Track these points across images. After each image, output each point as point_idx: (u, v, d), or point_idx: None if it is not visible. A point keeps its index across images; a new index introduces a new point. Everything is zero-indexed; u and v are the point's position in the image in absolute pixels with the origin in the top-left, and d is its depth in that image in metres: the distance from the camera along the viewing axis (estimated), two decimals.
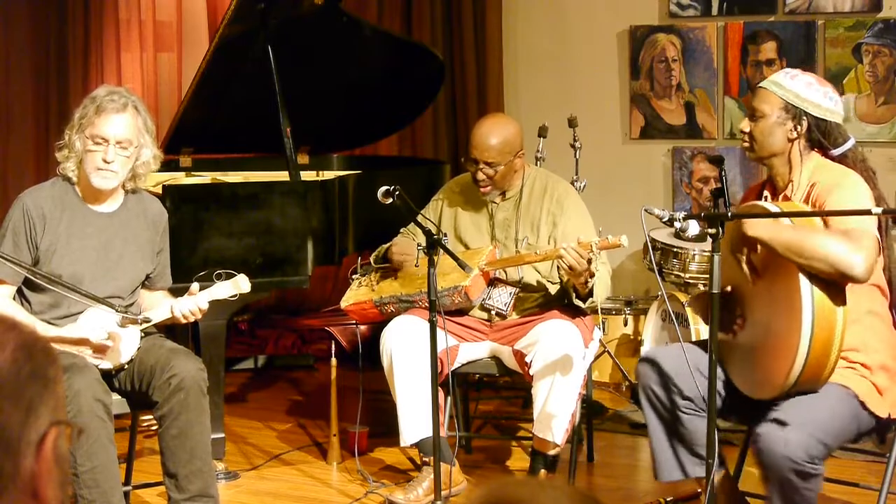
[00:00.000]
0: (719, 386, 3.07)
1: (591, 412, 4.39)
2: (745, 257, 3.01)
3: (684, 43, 5.76)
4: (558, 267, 3.75)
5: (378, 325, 4.19)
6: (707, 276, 3.38)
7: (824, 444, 2.89)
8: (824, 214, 3.00)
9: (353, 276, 4.21)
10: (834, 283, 2.89)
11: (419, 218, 3.65)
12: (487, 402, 5.12)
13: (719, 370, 3.05)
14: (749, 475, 3.68)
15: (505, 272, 3.98)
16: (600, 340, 4.18)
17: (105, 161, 3.39)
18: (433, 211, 4.15)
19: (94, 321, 3.36)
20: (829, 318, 2.88)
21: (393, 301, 4.00)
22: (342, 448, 4.37)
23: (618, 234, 3.50)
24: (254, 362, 5.88)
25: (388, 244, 4.10)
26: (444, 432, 3.89)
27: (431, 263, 3.47)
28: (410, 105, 5.32)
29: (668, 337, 4.81)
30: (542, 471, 3.90)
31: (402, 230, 4.17)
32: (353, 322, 4.65)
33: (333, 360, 4.40)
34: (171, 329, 3.76)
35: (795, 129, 3.14)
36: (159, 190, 4.03)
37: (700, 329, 4.46)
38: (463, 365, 4.03)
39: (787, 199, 3.16)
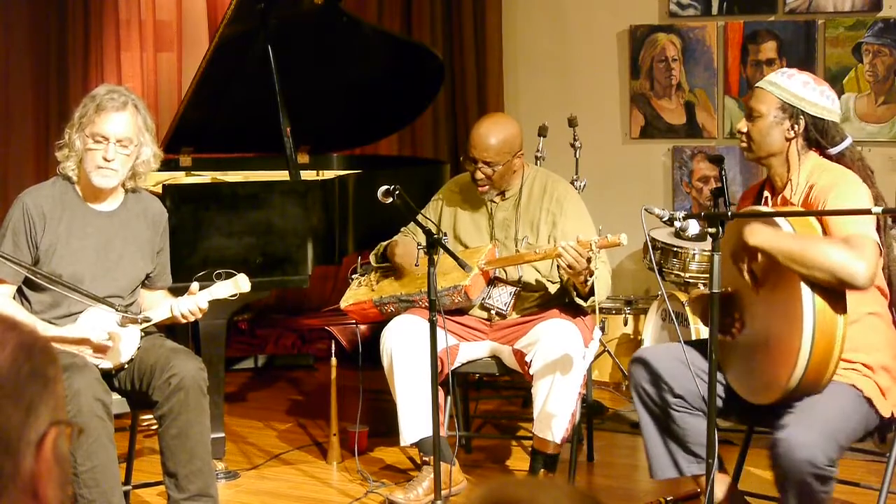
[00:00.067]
0: (718, 387, 3.07)
1: (591, 412, 4.39)
2: (746, 265, 3.01)
3: (684, 42, 5.76)
4: (558, 266, 3.75)
5: (378, 325, 4.19)
6: (707, 275, 3.38)
7: (840, 446, 2.89)
8: (824, 214, 2.99)
9: (353, 276, 4.21)
10: (834, 290, 2.89)
11: (419, 217, 3.65)
12: (487, 402, 5.12)
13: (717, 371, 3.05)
14: (749, 475, 3.68)
15: (505, 271, 3.98)
16: (600, 340, 4.18)
17: (105, 159, 3.39)
18: (433, 210, 4.15)
19: (94, 321, 3.36)
20: (830, 325, 2.88)
21: (393, 301, 4.00)
22: (342, 448, 4.37)
23: (617, 233, 3.51)
24: (254, 362, 5.88)
25: (387, 242, 4.10)
26: (444, 432, 3.89)
27: (431, 263, 3.47)
28: (410, 105, 5.32)
29: (668, 336, 4.81)
30: (542, 470, 3.90)
31: (401, 230, 4.17)
32: (353, 322, 4.66)
33: (333, 360, 4.40)
34: (171, 329, 3.76)
35: (793, 128, 3.14)
36: (159, 189, 4.03)
37: (700, 329, 4.46)
38: (463, 364, 4.03)
39: (785, 200, 3.16)
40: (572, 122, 5.12)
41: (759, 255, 2.97)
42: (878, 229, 3.03)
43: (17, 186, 4.45)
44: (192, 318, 3.45)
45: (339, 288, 5.64)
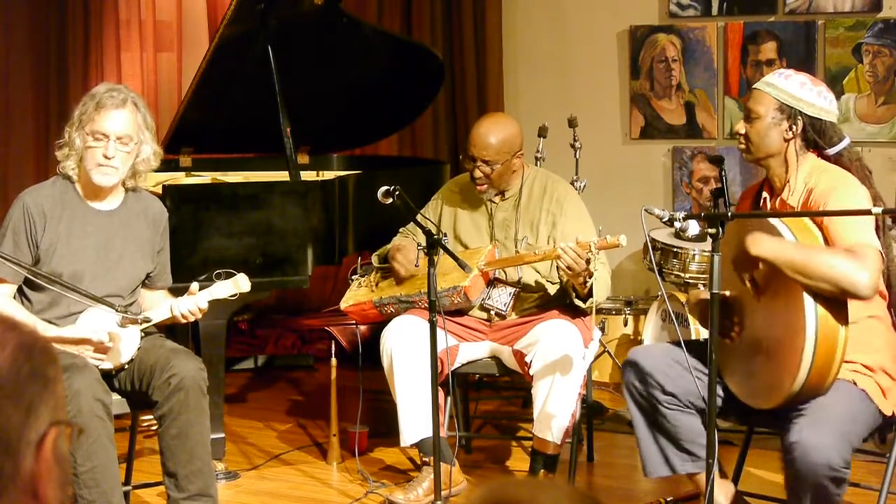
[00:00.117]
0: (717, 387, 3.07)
1: (591, 412, 4.39)
2: (747, 274, 3.01)
3: (684, 43, 5.76)
4: (557, 267, 3.75)
5: (378, 325, 4.19)
6: (707, 276, 3.37)
7: (853, 446, 2.88)
8: (824, 214, 2.99)
9: (353, 277, 4.21)
10: (836, 299, 2.89)
11: (419, 218, 3.65)
12: (487, 402, 5.12)
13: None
14: (749, 475, 3.68)
15: (504, 272, 3.98)
16: (600, 340, 4.18)
17: (105, 157, 3.39)
18: (432, 211, 4.15)
19: (94, 321, 3.36)
20: (833, 331, 2.88)
21: (393, 302, 4.00)
22: (342, 448, 4.37)
23: (617, 234, 3.51)
24: (254, 362, 5.88)
25: (390, 245, 4.10)
26: (444, 432, 3.89)
27: (431, 263, 3.47)
28: (410, 105, 5.32)
29: (668, 337, 4.80)
30: (542, 471, 3.90)
31: (401, 230, 4.17)
32: (353, 322, 4.65)
33: (333, 360, 4.40)
34: (171, 329, 3.76)
35: (791, 129, 3.14)
36: (159, 190, 4.03)
37: (700, 330, 4.46)
38: (463, 365, 4.03)
39: (784, 203, 3.16)
40: (572, 123, 5.12)
41: (761, 264, 2.97)
42: (877, 229, 3.03)
43: (17, 186, 4.45)
44: (192, 319, 3.45)
45: (339, 288, 5.64)
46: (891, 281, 3.16)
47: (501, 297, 3.99)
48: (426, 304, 3.52)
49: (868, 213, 2.89)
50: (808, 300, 2.87)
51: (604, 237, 3.54)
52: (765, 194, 3.26)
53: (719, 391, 3.11)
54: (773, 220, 2.99)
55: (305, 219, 4.18)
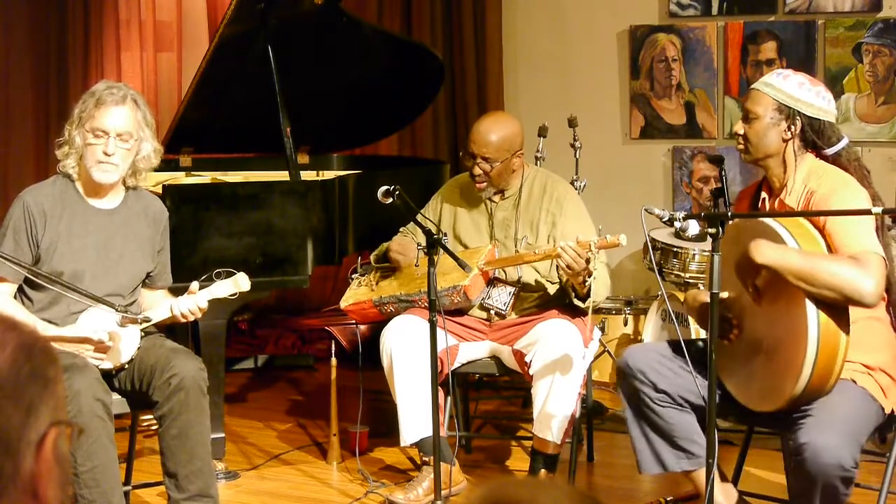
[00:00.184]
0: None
1: (591, 412, 4.39)
2: (750, 281, 3.00)
3: (684, 43, 5.76)
4: (557, 266, 3.75)
5: (378, 325, 4.19)
6: (707, 275, 3.37)
7: (861, 445, 2.89)
8: (824, 214, 2.99)
9: (353, 276, 4.21)
10: (838, 305, 2.89)
11: (419, 217, 3.65)
12: (487, 402, 5.12)
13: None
14: (749, 475, 3.68)
15: (504, 272, 3.98)
16: (600, 340, 4.18)
17: (106, 154, 3.39)
18: (432, 210, 4.15)
19: (94, 321, 3.36)
20: (834, 336, 2.88)
21: (392, 301, 4.00)
22: (342, 448, 4.37)
23: (617, 233, 3.51)
24: (254, 362, 5.88)
25: (388, 243, 4.10)
26: (444, 432, 3.89)
27: (431, 263, 3.47)
28: (410, 105, 5.32)
29: (668, 336, 4.80)
30: (542, 471, 3.90)
31: (401, 229, 4.17)
32: (353, 322, 4.65)
33: (333, 360, 4.40)
34: (171, 329, 3.76)
35: (789, 129, 3.13)
36: (159, 190, 4.03)
37: (700, 330, 4.46)
38: (463, 365, 4.03)
39: (783, 203, 3.16)
40: (572, 123, 5.12)
41: (764, 270, 2.96)
42: (876, 229, 3.03)
43: (17, 186, 4.44)
44: (192, 318, 3.45)
45: (339, 288, 5.64)
46: (890, 281, 3.16)
47: (501, 297, 3.99)
48: (426, 304, 3.52)
49: (868, 212, 2.89)
50: (809, 306, 2.87)
51: (604, 237, 3.54)
52: (763, 194, 3.26)
53: (718, 390, 3.11)
54: (777, 227, 2.98)
55: (305, 219, 4.18)
